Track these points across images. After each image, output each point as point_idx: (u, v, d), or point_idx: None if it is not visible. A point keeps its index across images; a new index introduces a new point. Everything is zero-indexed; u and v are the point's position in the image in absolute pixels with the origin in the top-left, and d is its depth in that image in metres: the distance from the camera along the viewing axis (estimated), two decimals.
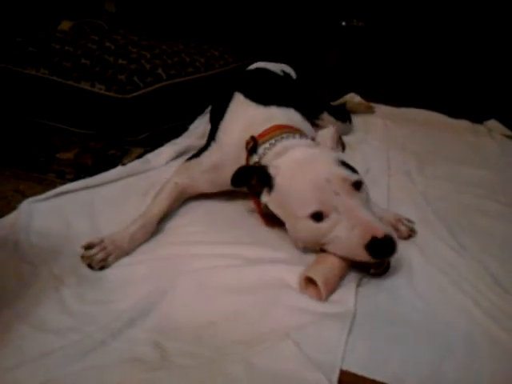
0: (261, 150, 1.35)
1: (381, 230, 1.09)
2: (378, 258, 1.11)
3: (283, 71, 2.13)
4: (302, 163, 1.23)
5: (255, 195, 1.33)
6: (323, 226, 1.16)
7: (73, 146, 2.00)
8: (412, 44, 3.08)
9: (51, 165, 1.81)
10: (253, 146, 1.37)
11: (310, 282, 1.14)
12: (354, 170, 1.23)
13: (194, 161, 1.54)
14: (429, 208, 1.59)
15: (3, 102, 2.26)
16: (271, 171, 1.25)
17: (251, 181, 1.29)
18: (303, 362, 0.94)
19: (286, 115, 1.48)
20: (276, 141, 1.34)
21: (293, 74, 2.23)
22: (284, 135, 1.35)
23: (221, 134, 1.50)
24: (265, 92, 1.61)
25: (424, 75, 3.06)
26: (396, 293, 1.17)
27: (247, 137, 1.39)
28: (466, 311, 1.12)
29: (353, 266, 1.19)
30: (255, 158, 1.36)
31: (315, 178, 1.16)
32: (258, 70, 2.02)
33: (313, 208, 1.15)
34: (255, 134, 1.38)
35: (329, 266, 1.17)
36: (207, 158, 1.50)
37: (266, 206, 1.31)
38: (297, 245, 1.30)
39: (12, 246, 1.24)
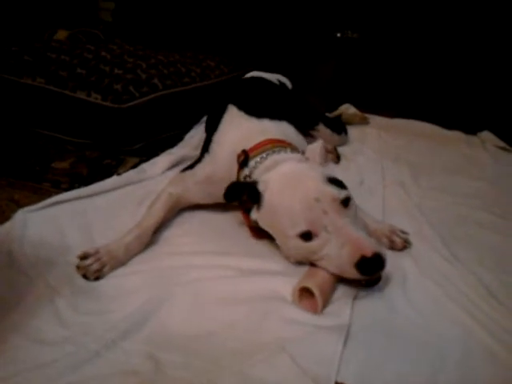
0: (252, 163, 1.36)
1: (370, 248, 1.09)
2: (367, 275, 1.12)
3: (279, 81, 2.14)
4: (289, 179, 1.23)
5: (246, 211, 1.33)
6: (313, 244, 1.16)
7: (68, 156, 2.00)
8: (406, 55, 3.11)
9: (46, 174, 1.81)
10: (244, 159, 1.37)
11: (304, 294, 1.14)
12: (342, 185, 1.23)
13: (188, 172, 1.54)
14: (423, 219, 1.60)
15: None
16: (260, 187, 1.25)
17: (242, 197, 1.29)
18: (298, 374, 0.94)
19: (279, 129, 1.49)
20: (267, 154, 1.34)
21: (288, 84, 2.24)
22: (275, 149, 1.36)
23: (214, 146, 1.50)
24: (258, 104, 1.61)
25: (418, 86, 3.09)
26: (390, 304, 1.17)
27: (240, 150, 1.39)
28: (460, 323, 1.13)
29: (343, 280, 1.19)
30: (246, 172, 1.36)
31: (304, 197, 1.16)
32: (253, 79, 2.04)
33: (302, 228, 1.15)
34: (247, 148, 1.39)
35: (322, 278, 1.17)
36: (201, 169, 1.51)
37: (256, 221, 1.31)
38: (289, 260, 1.30)
39: (6, 256, 1.24)
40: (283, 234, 1.21)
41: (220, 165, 1.45)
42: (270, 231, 1.29)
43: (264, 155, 1.34)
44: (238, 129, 1.48)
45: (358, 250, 1.09)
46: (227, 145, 1.46)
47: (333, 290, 1.18)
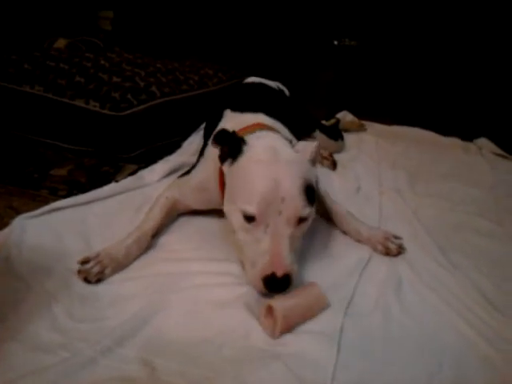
0: None
1: (283, 268, 1.10)
2: (270, 291, 1.12)
3: (278, 87, 2.15)
4: (272, 156, 1.20)
5: (222, 161, 1.30)
6: (247, 227, 1.16)
7: (67, 163, 2.01)
8: (403, 62, 3.13)
9: (44, 181, 1.82)
10: None
11: (269, 312, 1.09)
12: (312, 198, 1.20)
13: (184, 178, 1.56)
14: (420, 225, 1.60)
15: None
16: (244, 147, 1.24)
17: (224, 147, 1.27)
18: (294, 381, 0.94)
19: (273, 123, 1.49)
20: (257, 132, 1.34)
21: (286, 91, 2.26)
22: (264, 130, 1.36)
23: (208, 149, 1.49)
24: (253, 102, 1.62)
25: (415, 93, 3.11)
26: (385, 310, 1.18)
27: None
28: (456, 328, 1.13)
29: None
30: None
31: (274, 189, 1.14)
32: (252, 84, 2.04)
33: (250, 210, 1.14)
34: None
35: (296, 303, 1.12)
36: (195, 175, 1.52)
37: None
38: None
39: (3, 262, 1.24)
40: (234, 200, 1.21)
41: (213, 169, 1.42)
42: (227, 190, 1.27)
43: (254, 133, 1.34)
44: (231, 125, 1.43)
45: (271, 265, 1.10)
46: None
47: (302, 316, 1.12)
